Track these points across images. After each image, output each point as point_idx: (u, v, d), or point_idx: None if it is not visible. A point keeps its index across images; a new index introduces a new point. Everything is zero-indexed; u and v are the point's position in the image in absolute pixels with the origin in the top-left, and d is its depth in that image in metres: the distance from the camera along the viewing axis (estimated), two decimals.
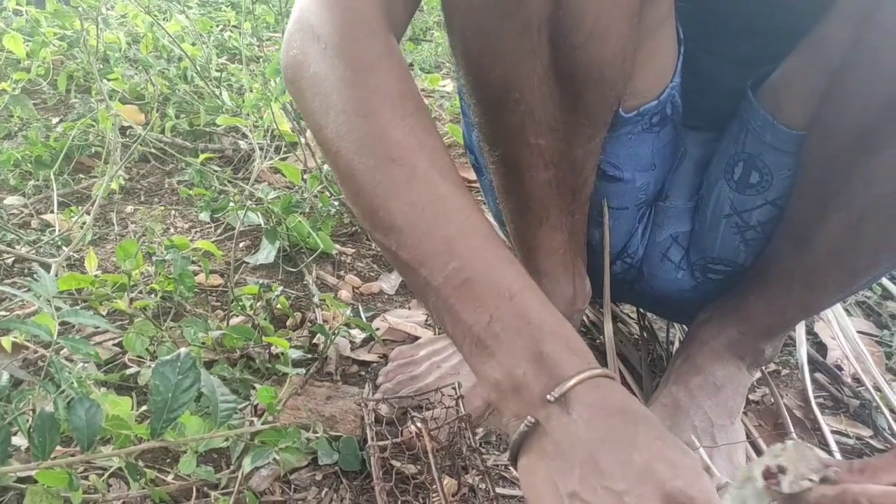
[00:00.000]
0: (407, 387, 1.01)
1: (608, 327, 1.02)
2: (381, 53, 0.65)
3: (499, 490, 0.86)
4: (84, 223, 1.23)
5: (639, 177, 0.93)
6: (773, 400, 1.09)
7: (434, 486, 0.79)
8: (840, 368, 1.20)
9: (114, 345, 1.02)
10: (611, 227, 0.97)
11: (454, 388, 0.90)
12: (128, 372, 0.96)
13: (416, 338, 1.14)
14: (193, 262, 1.15)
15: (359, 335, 1.11)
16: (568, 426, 0.53)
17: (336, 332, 1.02)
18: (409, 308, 1.23)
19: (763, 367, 1.08)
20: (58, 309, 0.73)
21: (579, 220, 0.94)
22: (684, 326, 1.21)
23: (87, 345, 0.71)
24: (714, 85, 0.91)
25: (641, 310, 1.23)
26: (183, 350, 0.71)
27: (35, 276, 0.75)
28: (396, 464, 0.87)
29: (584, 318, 1.22)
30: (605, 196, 0.94)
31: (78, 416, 0.65)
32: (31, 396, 0.63)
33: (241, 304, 1.03)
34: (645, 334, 1.19)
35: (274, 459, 0.80)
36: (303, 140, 1.47)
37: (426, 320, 1.18)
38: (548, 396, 0.53)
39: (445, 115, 2.02)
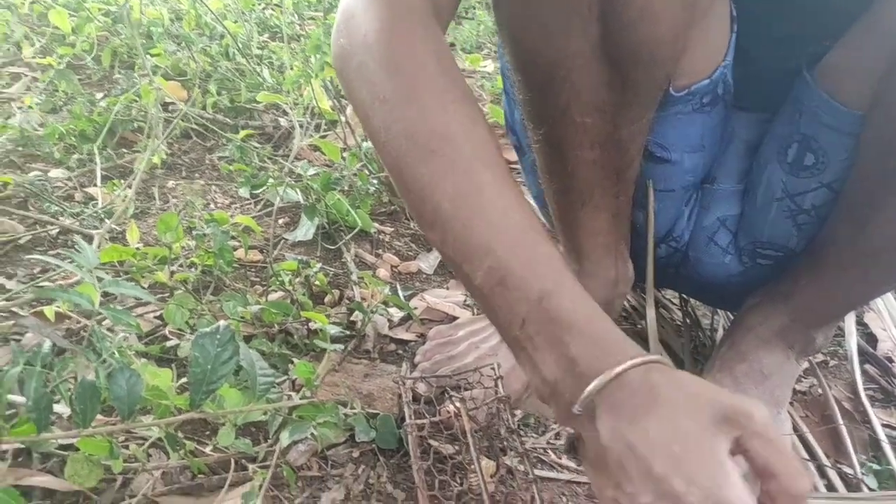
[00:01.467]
0: (445, 366, 1.00)
1: (651, 312, 1.00)
2: (425, 43, 0.63)
3: (537, 472, 0.85)
4: (126, 197, 1.24)
5: (687, 158, 0.90)
6: (820, 391, 1.06)
7: (472, 467, 0.78)
8: (891, 360, 1.16)
9: (154, 317, 1.02)
10: (656, 209, 0.95)
11: (493, 369, 0.89)
12: (168, 344, 0.96)
13: (455, 318, 1.13)
14: (233, 238, 1.15)
15: (397, 314, 1.10)
16: (596, 439, 0.53)
17: (374, 310, 1.01)
18: (448, 288, 1.22)
19: (811, 357, 1.05)
20: (99, 280, 0.74)
21: (623, 202, 0.91)
22: (729, 314, 1.18)
23: (128, 315, 0.71)
24: (763, 65, 0.88)
25: (684, 296, 1.20)
26: (222, 322, 0.71)
27: (77, 247, 0.75)
28: (434, 443, 0.86)
29: (626, 302, 1.20)
30: (651, 178, 0.92)
31: (119, 386, 0.65)
32: (73, 364, 0.64)
33: (279, 279, 1.02)
34: (688, 321, 1.16)
35: (312, 435, 0.79)
36: (343, 118, 1.46)
37: (465, 300, 1.17)
38: (574, 409, 0.53)
39: (486, 96, 2.00)
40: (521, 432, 0.93)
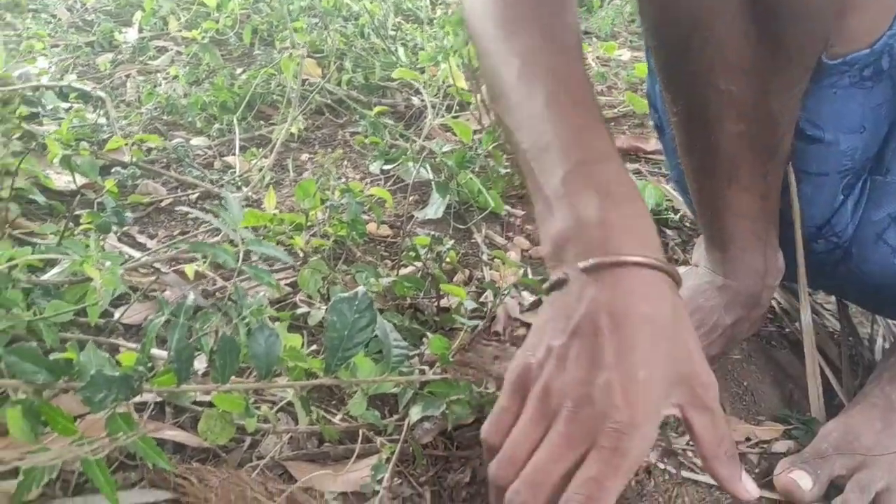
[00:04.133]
0: None
1: (806, 314, 0.92)
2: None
3: (684, 474, 0.79)
4: (263, 167, 1.26)
5: (843, 139, 0.81)
6: None
7: None
8: None
9: (286, 285, 1.02)
10: (808, 195, 0.86)
11: None
12: (298, 311, 0.96)
13: None
14: (364, 213, 1.14)
15: (528, 297, 1.06)
16: (585, 293, 0.53)
17: (506, 291, 0.97)
18: None
19: None
20: (242, 240, 0.73)
21: (773, 184, 0.83)
22: (892, 323, 1.07)
23: (268, 274, 0.70)
24: None
25: (841, 299, 1.10)
26: (361, 288, 0.69)
27: (223, 203, 0.75)
28: None
29: (773, 302, 1.11)
30: (802, 159, 0.83)
31: (258, 343, 0.64)
32: (214, 319, 0.63)
33: (412, 254, 1.00)
34: (845, 327, 1.06)
35: (442, 413, 0.76)
36: (478, 97, 1.43)
37: None
38: (580, 263, 0.54)
39: (622, 84, 1.92)
40: (673, 433, 0.87)
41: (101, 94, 1.34)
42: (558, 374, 0.54)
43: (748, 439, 0.88)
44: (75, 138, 0.97)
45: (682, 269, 1.09)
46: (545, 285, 0.59)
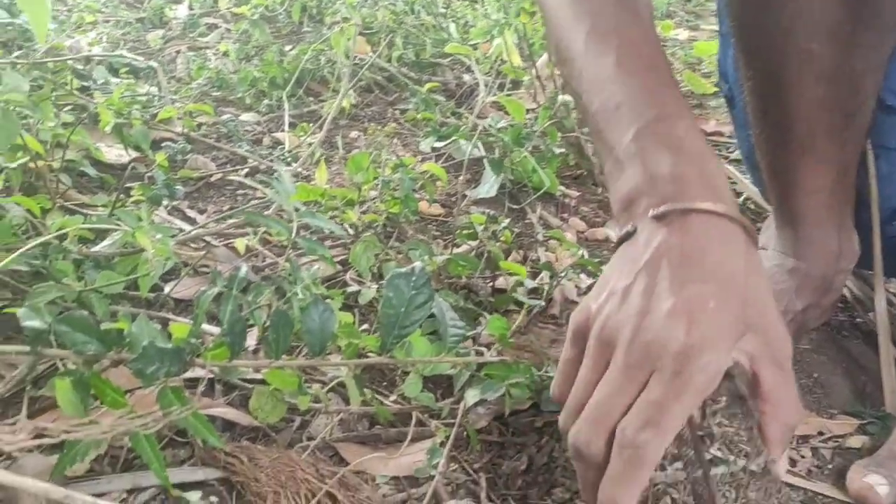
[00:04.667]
0: None
1: (881, 302, 0.86)
2: None
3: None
4: (311, 143, 1.23)
5: None
6: None
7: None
8: None
9: (336, 262, 1.00)
10: (885, 173, 0.80)
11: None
12: (349, 290, 0.93)
13: None
14: (415, 191, 1.11)
15: (585, 280, 1.02)
16: (654, 238, 0.51)
17: (564, 273, 0.94)
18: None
19: None
20: (296, 211, 0.71)
21: (851, 156, 0.78)
22: None
23: (322, 247, 0.68)
24: None
25: None
26: (418, 264, 0.66)
27: (277, 176, 0.73)
28: None
29: (845, 291, 1.06)
30: (880, 133, 0.78)
31: (312, 319, 0.61)
32: (267, 292, 0.61)
33: (466, 233, 0.97)
34: None
35: (498, 397, 0.73)
36: (533, 72, 1.39)
37: None
38: (652, 211, 0.52)
39: (679, 65, 1.86)
40: (725, 421, 0.82)
41: (154, 64, 1.33)
42: (618, 310, 0.50)
43: (820, 433, 0.83)
44: (127, 107, 0.95)
45: None
46: (615, 241, 0.56)
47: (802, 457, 0.81)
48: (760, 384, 0.51)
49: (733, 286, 0.50)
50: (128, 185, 1.07)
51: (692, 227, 0.51)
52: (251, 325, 0.62)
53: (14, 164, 0.84)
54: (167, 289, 0.87)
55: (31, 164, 0.89)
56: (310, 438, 0.73)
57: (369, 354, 0.68)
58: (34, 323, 0.49)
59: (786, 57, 0.69)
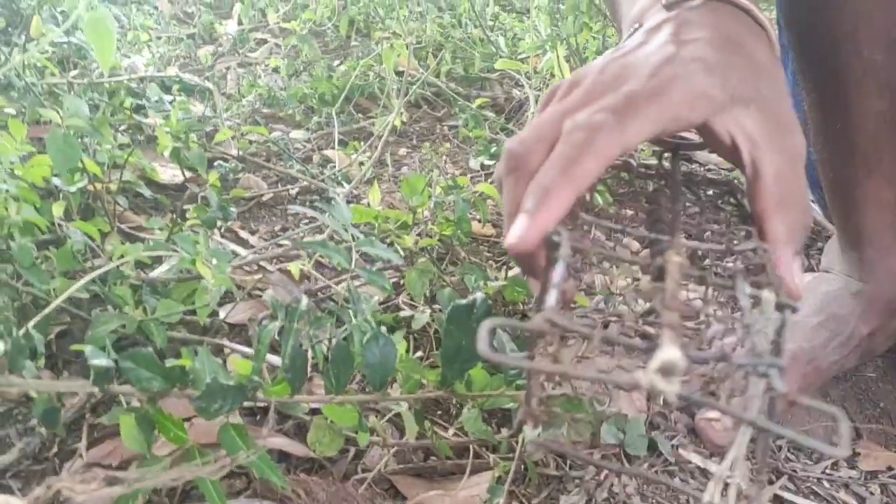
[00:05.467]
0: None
1: None
2: None
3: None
4: (362, 162, 1.23)
5: None
6: None
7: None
8: None
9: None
10: None
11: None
12: (401, 314, 0.92)
13: None
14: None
15: (642, 303, 1.00)
16: (666, 17, 0.46)
17: (620, 297, 0.91)
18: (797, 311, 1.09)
19: None
20: (353, 239, 0.70)
21: None
22: None
23: (382, 277, 0.67)
24: None
25: None
26: (479, 294, 0.65)
27: (333, 202, 0.72)
28: (694, 457, 0.76)
29: None
30: None
31: (373, 353, 0.60)
32: (329, 324, 0.60)
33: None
34: None
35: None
36: None
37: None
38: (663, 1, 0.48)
39: None
40: (792, 456, 0.80)
41: (209, 85, 1.33)
42: (601, 60, 0.46)
43: (890, 468, 0.80)
44: (184, 131, 0.96)
45: (808, 276, 1.02)
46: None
47: (871, 493, 0.77)
48: (759, 174, 0.44)
49: (744, 57, 0.44)
50: (182, 205, 1.08)
51: (711, 11, 0.46)
52: (314, 361, 0.61)
53: (73, 188, 0.85)
54: (222, 314, 0.86)
55: (90, 187, 0.90)
56: (365, 470, 0.72)
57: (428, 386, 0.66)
58: (101, 361, 0.49)
59: (848, 69, 0.67)
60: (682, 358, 0.29)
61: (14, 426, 0.72)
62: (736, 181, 0.51)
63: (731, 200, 0.50)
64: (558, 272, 0.36)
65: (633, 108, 0.41)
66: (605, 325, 0.46)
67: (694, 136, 0.49)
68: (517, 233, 0.39)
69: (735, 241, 0.43)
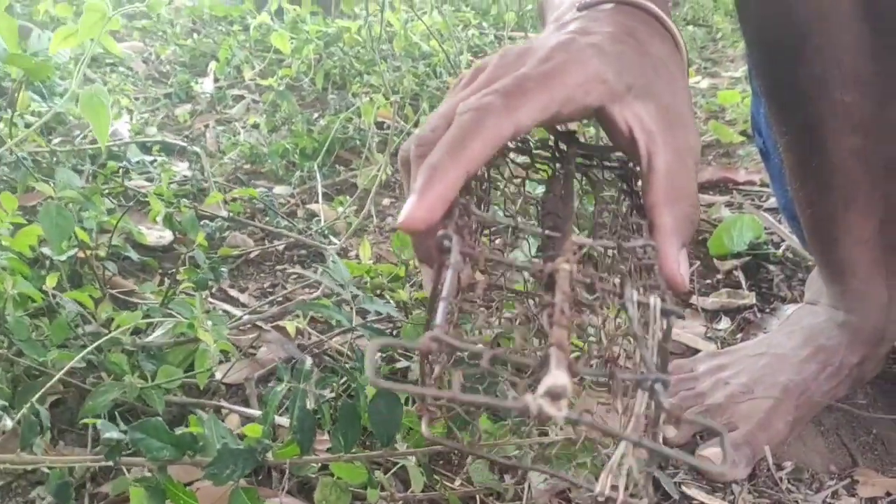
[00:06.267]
0: (692, 405, 0.89)
1: None
2: None
3: None
4: (348, 214, 1.24)
5: None
6: None
7: None
8: None
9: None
10: None
11: None
12: (397, 366, 0.92)
13: (696, 350, 1.02)
14: None
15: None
16: (573, 19, 0.48)
17: (620, 341, 0.93)
18: (684, 318, 1.11)
19: None
20: (353, 297, 0.71)
21: (894, 205, 0.77)
22: None
23: (384, 334, 0.67)
24: None
25: None
26: (479, 346, 0.65)
27: (331, 259, 0.73)
28: (697, 493, 0.76)
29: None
30: None
31: (379, 411, 0.61)
32: (335, 383, 0.60)
33: (511, 302, 0.96)
34: None
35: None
36: None
37: (706, 332, 1.06)
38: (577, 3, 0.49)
39: (702, 114, 1.87)
40: (792, 487, 0.81)
41: (197, 149, 1.34)
42: (506, 47, 0.48)
43: (889, 494, 0.81)
44: (175, 195, 0.97)
45: (791, 307, 1.04)
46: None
47: None
48: (653, 167, 0.45)
49: (643, 53, 0.46)
50: (168, 266, 1.08)
51: (619, 11, 0.48)
52: (319, 419, 0.61)
53: (63, 257, 0.85)
54: (218, 374, 0.86)
55: (79, 254, 0.90)
56: None
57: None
58: (113, 434, 0.49)
59: (821, 110, 0.69)
60: (568, 382, 0.29)
61: (14, 500, 0.71)
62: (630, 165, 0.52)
63: (624, 187, 0.51)
64: (447, 285, 0.35)
65: (522, 90, 0.42)
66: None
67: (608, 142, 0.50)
68: (405, 211, 0.40)
69: (627, 235, 0.45)
